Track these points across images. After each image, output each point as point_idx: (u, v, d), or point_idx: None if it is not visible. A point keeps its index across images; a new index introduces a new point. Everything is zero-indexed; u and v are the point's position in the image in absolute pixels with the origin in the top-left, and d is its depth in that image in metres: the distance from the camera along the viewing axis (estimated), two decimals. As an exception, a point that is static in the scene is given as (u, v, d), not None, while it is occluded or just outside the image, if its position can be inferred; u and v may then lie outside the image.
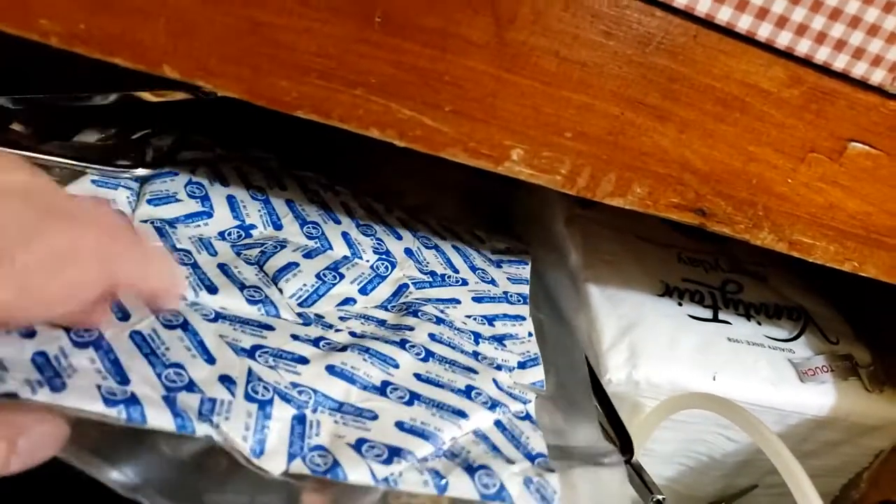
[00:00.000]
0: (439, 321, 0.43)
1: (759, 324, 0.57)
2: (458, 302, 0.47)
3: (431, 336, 0.41)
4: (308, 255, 0.44)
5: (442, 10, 0.30)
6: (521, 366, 0.43)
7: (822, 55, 0.33)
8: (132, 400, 0.29)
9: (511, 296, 0.50)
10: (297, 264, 0.43)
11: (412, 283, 0.47)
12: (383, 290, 0.45)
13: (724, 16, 0.32)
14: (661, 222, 0.65)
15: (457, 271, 0.50)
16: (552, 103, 0.33)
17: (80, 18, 0.29)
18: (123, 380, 0.30)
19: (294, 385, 0.34)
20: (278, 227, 0.47)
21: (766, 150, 0.36)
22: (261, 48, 0.31)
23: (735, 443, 0.54)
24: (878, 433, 0.55)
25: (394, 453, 0.33)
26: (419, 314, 0.43)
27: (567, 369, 0.46)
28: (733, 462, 0.55)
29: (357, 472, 0.31)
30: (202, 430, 0.30)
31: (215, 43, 0.30)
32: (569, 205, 0.62)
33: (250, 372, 0.33)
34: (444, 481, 0.32)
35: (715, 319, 0.55)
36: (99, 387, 0.29)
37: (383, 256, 0.48)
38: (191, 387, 0.31)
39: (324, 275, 0.43)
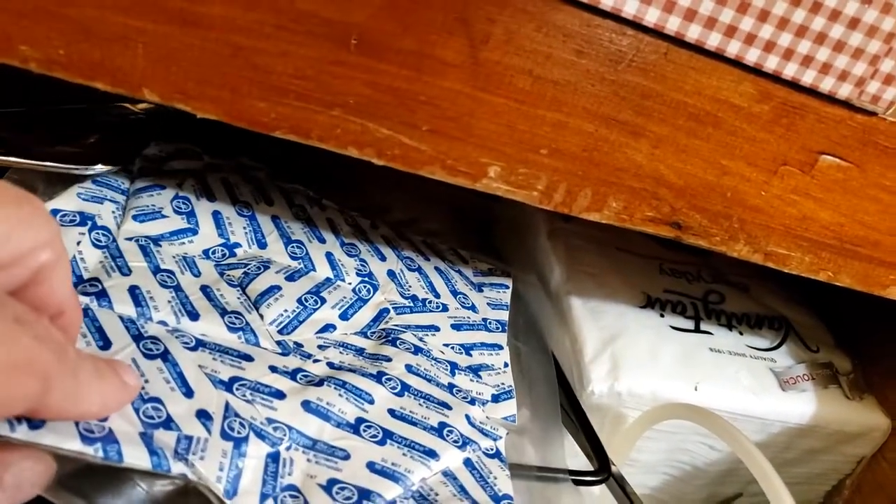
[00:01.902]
0: (417, 350, 0.44)
1: (741, 334, 0.58)
2: (437, 329, 0.47)
3: (408, 368, 0.42)
4: (291, 277, 0.45)
5: (416, 32, 0.31)
6: (495, 399, 0.44)
7: (790, 71, 0.34)
8: (109, 437, 0.29)
9: (490, 322, 0.50)
10: (279, 287, 0.43)
11: (393, 307, 0.47)
12: (364, 315, 0.45)
13: (693, 33, 0.32)
14: (643, 235, 0.65)
15: (438, 296, 0.51)
16: (527, 121, 0.34)
17: (59, 45, 0.29)
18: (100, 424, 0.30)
19: (270, 421, 0.35)
20: (263, 245, 0.47)
21: (740, 163, 0.37)
22: (239, 71, 0.31)
23: (718, 452, 0.54)
24: (860, 440, 0.56)
25: (363, 496, 0.33)
26: (398, 342, 0.44)
27: (544, 396, 0.46)
28: (717, 471, 0.56)
29: None
30: (178, 468, 0.30)
31: (194, 67, 0.31)
32: (551, 218, 0.63)
33: (227, 406, 0.34)
34: None
35: (697, 330, 0.56)
36: (77, 423, 0.29)
37: (366, 279, 0.48)
38: (168, 423, 0.31)
39: (305, 299, 0.43)
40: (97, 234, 0.41)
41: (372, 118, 0.33)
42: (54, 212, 0.41)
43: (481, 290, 0.54)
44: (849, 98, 0.35)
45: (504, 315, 0.52)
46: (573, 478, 0.41)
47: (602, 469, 0.42)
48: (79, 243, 0.40)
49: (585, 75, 0.33)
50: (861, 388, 0.57)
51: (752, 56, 0.33)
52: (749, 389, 0.53)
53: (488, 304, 0.52)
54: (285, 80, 0.31)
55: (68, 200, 0.42)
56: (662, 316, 0.56)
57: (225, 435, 0.33)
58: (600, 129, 0.35)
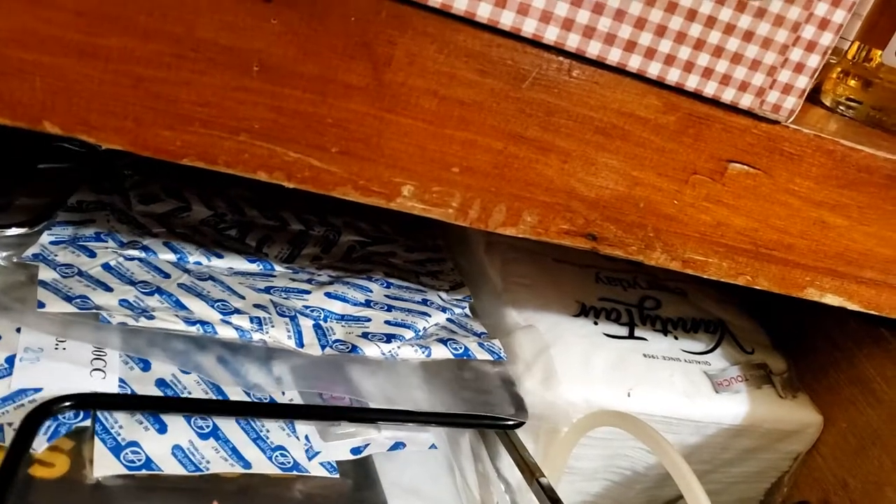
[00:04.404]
0: (388, 264, 0.58)
1: (676, 338, 0.59)
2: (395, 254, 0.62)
3: (386, 274, 0.56)
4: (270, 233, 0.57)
5: (318, 58, 0.31)
6: (451, 288, 0.57)
7: (692, 83, 0.35)
8: (203, 322, 0.41)
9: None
10: (270, 236, 0.56)
11: (359, 244, 0.60)
12: (339, 250, 0.59)
13: (594, 49, 0.33)
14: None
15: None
16: (436, 141, 0.34)
17: (-47, 80, 0.29)
18: (189, 312, 0.42)
19: (306, 307, 0.47)
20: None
21: (650, 174, 0.38)
22: (142, 101, 0.31)
23: (656, 456, 0.55)
24: (794, 437, 0.57)
25: (390, 337, 0.47)
26: (372, 258, 0.58)
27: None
28: (657, 475, 0.56)
29: (370, 349, 0.45)
30: (258, 336, 0.42)
31: (95, 98, 0.30)
32: (488, 231, 0.63)
33: (272, 302, 0.46)
34: (427, 350, 0.47)
35: (631, 336, 0.57)
36: (176, 315, 0.41)
37: (330, 228, 0.60)
38: (238, 311, 0.44)
39: (293, 242, 0.56)
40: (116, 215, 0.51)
41: (279, 142, 0.33)
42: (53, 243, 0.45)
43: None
44: (751, 108, 0.36)
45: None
46: (490, 423, 0.46)
47: (519, 412, 0.46)
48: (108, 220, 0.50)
49: (490, 94, 0.34)
50: (794, 387, 0.58)
51: (653, 70, 0.34)
52: (682, 393, 0.54)
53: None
54: (189, 108, 0.31)
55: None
56: (596, 324, 0.57)
57: (281, 314, 0.45)
58: (509, 146, 0.35)
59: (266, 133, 0.33)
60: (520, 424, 0.44)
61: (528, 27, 0.32)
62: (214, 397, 0.38)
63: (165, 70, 0.31)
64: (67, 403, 0.33)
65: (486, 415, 0.44)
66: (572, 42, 0.33)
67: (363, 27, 0.31)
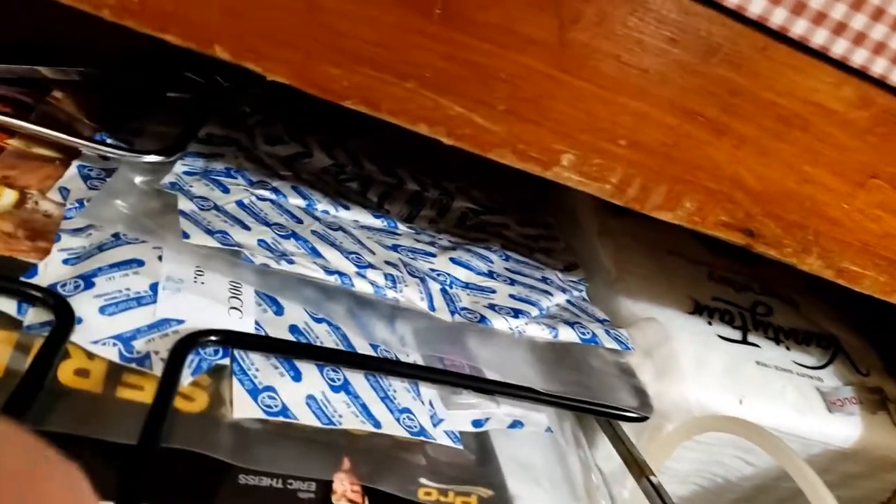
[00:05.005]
0: (503, 236, 0.57)
1: (788, 349, 0.56)
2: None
3: (503, 246, 0.54)
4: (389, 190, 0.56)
5: (505, 6, 0.29)
6: (566, 269, 0.55)
7: None
8: (341, 273, 0.40)
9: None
10: (391, 192, 0.55)
11: (471, 211, 0.59)
12: (453, 215, 0.57)
13: (798, 29, 0.30)
14: (691, 238, 0.63)
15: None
16: (608, 109, 0.32)
17: (132, -10, 0.28)
18: (325, 261, 0.40)
19: (432, 270, 0.46)
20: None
21: (823, 172, 0.35)
22: (315, 33, 0.29)
23: (753, 467, 0.52)
24: (903, 469, 0.54)
25: (517, 312, 0.45)
26: (486, 227, 0.57)
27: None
28: (750, 486, 0.54)
29: (498, 322, 0.43)
30: (391, 294, 0.41)
31: (268, 25, 0.29)
32: (602, 214, 0.61)
33: (401, 261, 0.45)
34: (555, 331, 0.45)
35: (744, 341, 0.54)
36: (314, 262, 0.40)
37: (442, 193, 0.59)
38: (372, 266, 0.42)
39: (410, 202, 0.55)
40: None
41: (446, 94, 0.31)
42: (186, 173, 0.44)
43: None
44: (953, 111, 0.33)
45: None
46: (614, 412, 0.44)
47: (643, 407, 0.44)
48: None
49: (675, 65, 0.31)
50: (909, 416, 0.55)
51: (858, 58, 0.31)
52: (794, 407, 0.51)
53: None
54: (362, 46, 0.30)
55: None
56: (710, 324, 0.54)
57: (411, 274, 0.44)
58: (683, 123, 0.33)
59: (435, 83, 0.31)
60: (644, 418, 0.42)
61: (733, -3, 0.29)
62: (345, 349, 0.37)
63: (344, 2, 0.29)
64: (213, 338, 0.32)
65: (611, 405, 0.42)
66: (777, 18, 0.30)
67: (557, -22, 0.29)
